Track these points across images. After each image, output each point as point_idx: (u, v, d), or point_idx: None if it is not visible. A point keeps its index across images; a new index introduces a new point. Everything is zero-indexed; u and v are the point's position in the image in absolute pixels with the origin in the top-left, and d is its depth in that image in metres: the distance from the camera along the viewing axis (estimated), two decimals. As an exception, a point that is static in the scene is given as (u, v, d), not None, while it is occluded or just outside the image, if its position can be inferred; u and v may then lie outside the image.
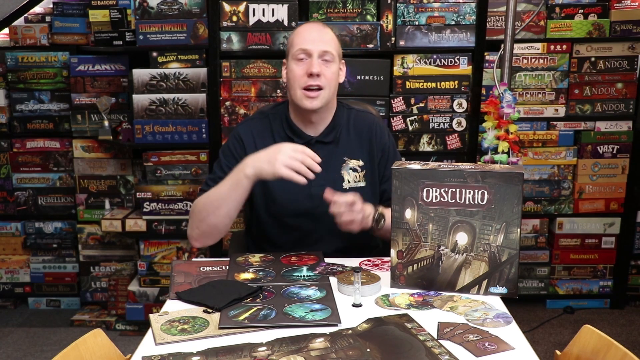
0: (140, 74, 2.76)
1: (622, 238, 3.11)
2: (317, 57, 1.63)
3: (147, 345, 1.18)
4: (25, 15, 3.19)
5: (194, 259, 1.65)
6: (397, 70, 2.77)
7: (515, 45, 2.69)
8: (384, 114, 2.77)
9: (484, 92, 2.80)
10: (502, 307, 1.33)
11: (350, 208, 1.52)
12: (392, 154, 1.80)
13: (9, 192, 3.21)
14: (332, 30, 1.71)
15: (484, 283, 1.38)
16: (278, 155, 1.47)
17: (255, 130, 1.73)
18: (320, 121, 1.72)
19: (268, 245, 1.77)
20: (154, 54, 2.76)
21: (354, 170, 1.74)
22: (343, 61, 1.75)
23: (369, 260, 1.64)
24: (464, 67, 2.76)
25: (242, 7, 2.70)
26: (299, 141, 1.69)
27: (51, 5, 3.14)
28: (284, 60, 1.72)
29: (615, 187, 3.06)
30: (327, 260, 1.62)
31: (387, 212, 1.67)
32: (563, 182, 3.07)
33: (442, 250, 1.40)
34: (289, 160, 1.46)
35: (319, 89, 1.63)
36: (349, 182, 1.74)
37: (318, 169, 1.48)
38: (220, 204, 1.56)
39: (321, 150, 1.71)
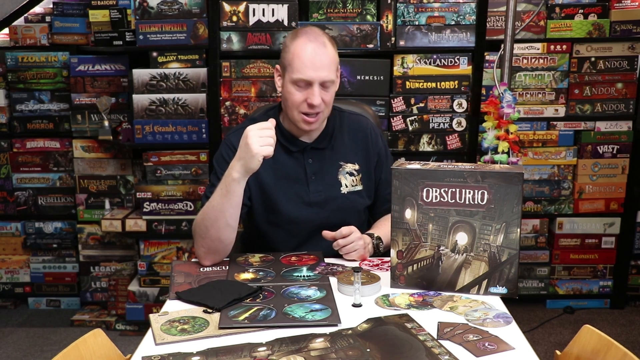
0: (140, 74, 2.76)
1: (622, 238, 3.11)
2: (317, 85, 1.59)
3: (147, 345, 1.18)
4: (25, 15, 3.18)
5: (194, 259, 1.65)
6: (397, 70, 2.77)
7: (515, 45, 2.69)
8: (383, 114, 2.77)
9: (484, 92, 2.80)
10: (502, 307, 1.33)
11: (346, 239, 1.59)
12: (385, 159, 1.81)
13: (9, 192, 3.21)
14: (332, 44, 1.63)
15: (484, 283, 1.38)
16: (251, 145, 1.45)
17: None
18: (314, 131, 1.71)
19: (267, 251, 1.77)
20: (154, 54, 2.76)
21: (351, 174, 1.75)
22: (339, 67, 1.71)
23: (369, 260, 1.64)
24: (464, 67, 2.76)
25: (242, 7, 2.70)
26: (293, 148, 1.71)
27: (51, 5, 3.14)
28: (278, 67, 1.68)
29: (615, 187, 3.06)
30: (327, 260, 1.62)
31: (382, 228, 1.73)
32: (563, 182, 3.07)
33: (442, 250, 1.40)
34: (262, 141, 1.46)
35: (318, 113, 1.62)
36: (346, 186, 1.74)
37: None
38: (217, 215, 1.53)
39: (316, 156, 1.72)
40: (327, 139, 1.74)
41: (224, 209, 1.52)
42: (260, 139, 1.46)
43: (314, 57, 1.58)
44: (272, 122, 1.50)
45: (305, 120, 1.63)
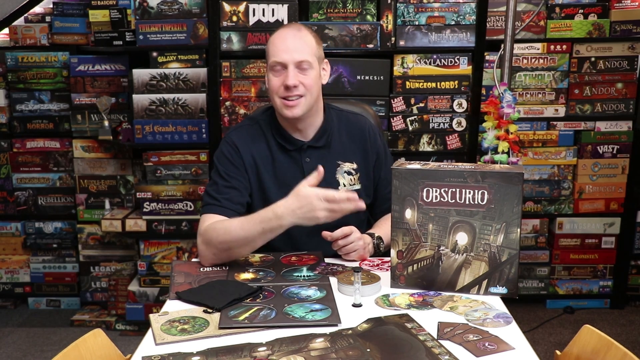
0: (140, 74, 2.76)
1: (622, 238, 3.11)
2: (292, 67, 1.60)
3: (147, 345, 1.18)
4: (25, 15, 3.19)
5: (194, 259, 1.65)
6: (397, 70, 2.77)
7: (515, 45, 2.69)
8: (383, 114, 2.77)
9: (484, 92, 2.80)
10: (502, 307, 1.33)
11: (346, 239, 1.58)
12: (384, 158, 1.81)
13: (9, 192, 3.21)
14: (310, 32, 1.67)
15: (484, 283, 1.38)
16: (317, 213, 1.41)
17: (248, 136, 1.72)
18: (307, 127, 1.71)
19: (267, 251, 1.76)
20: (154, 54, 2.76)
21: (349, 173, 1.75)
22: (326, 60, 1.73)
23: (369, 260, 1.64)
24: (464, 67, 2.76)
25: (242, 7, 2.70)
26: (290, 147, 1.70)
27: (51, 5, 3.14)
28: (266, 65, 1.71)
29: (615, 187, 3.06)
30: (327, 260, 1.62)
31: (383, 227, 1.72)
32: (563, 182, 3.07)
33: (442, 250, 1.40)
34: (329, 214, 1.42)
35: (299, 96, 1.62)
36: (344, 185, 1.74)
37: (362, 207, 1.45)
38: (249, 243, 1.52)
39: (314, 154, 1.71)
40: (324, 137, 1.73)
41: (256, 241, 1.52)
42: (330, 214, 1.42)
43: (287, 40, 1.62)
44: (343, 196, 1.42)
45: (285, 104, 1.62)
